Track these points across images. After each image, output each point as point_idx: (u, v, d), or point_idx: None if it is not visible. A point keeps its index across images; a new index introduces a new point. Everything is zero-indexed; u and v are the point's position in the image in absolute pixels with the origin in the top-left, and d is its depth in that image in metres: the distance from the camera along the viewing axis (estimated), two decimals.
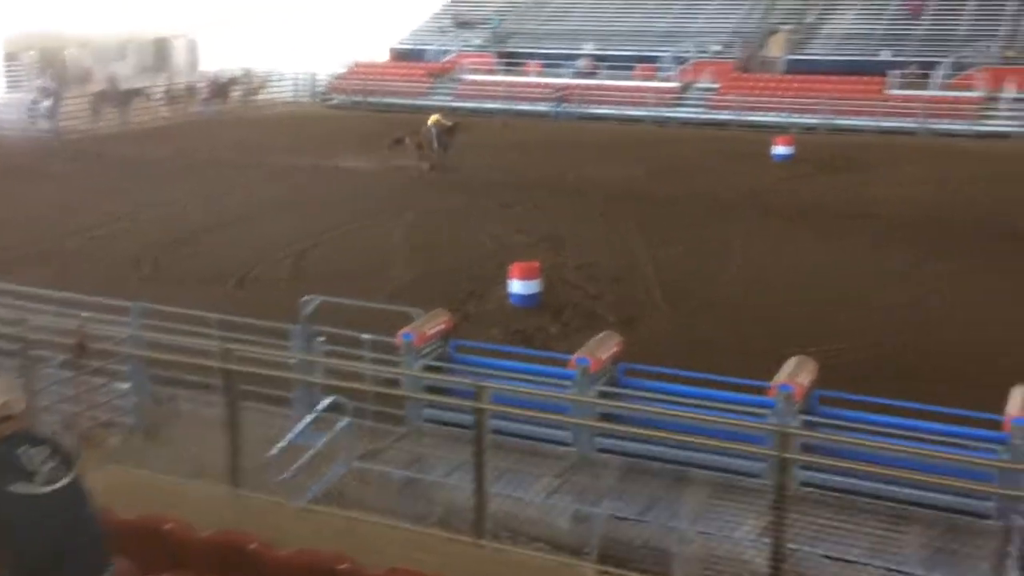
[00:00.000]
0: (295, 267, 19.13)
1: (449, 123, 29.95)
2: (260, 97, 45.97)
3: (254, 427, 9.32)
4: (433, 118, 29.81)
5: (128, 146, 33.51)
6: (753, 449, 9.21)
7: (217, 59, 50.85)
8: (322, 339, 11.53)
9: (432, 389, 11.01)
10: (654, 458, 10.03)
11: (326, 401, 10.21)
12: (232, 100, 44.19)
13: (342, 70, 47.28)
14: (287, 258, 19.58)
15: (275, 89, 47.10)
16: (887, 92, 37.70)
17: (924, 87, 37.35)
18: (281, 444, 9.61)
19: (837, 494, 9.35)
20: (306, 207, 24.35)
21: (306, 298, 11.96)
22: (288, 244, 20.43)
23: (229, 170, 29.13)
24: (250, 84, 45.85)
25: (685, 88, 40.82)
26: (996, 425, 9.18)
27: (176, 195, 25.60)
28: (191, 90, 43.21)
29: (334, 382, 10.64)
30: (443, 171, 28.30)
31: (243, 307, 14.89)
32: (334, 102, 45.79)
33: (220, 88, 43.74)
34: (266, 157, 30.99)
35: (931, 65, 37.98)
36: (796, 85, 39.55)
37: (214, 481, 8.48)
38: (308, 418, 10.16)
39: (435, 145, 29.29)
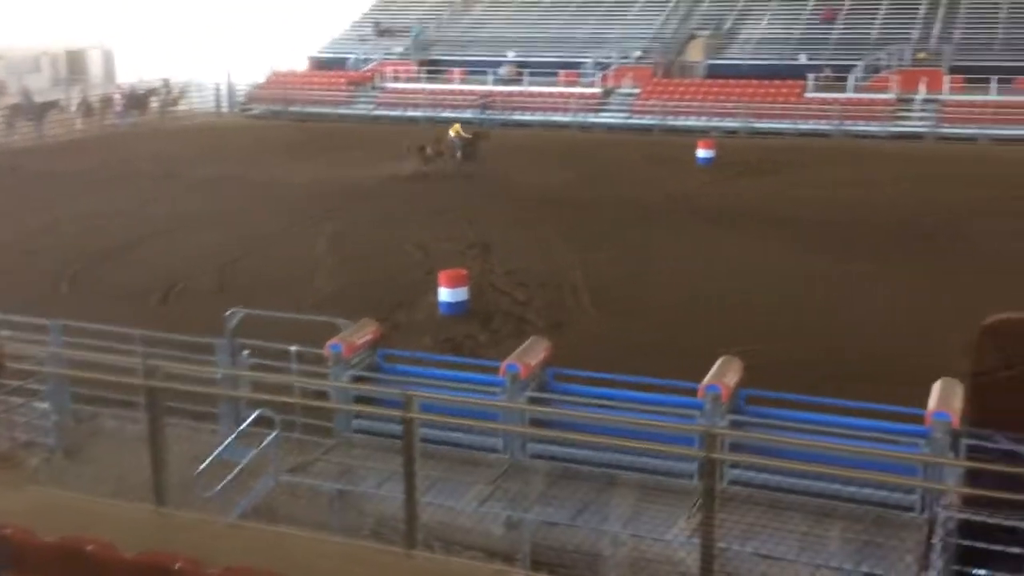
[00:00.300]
0: (219, 280, 18.85)
1: (469, 134, 30.69)
2: (179, 108, 45.30)
3: (180, 444, 9.16)
4: (454, 128, 30.70)
5: (45, 160, 32.80)
6: (681, 450, 9.29)
7: (134, 70, 50.06)
8: (248, 352, 11.37)
9: (361, 400, 10.92)
10: (585, 462, 10.07)
11: (252, 415, 10.06)
12: (150, 111, 43.48)
13: (261, 80, 46.81)
14: (211, 271, 19.30)
15: (194, 100, 46.47)
16: (806, 95, 38.41)
17: (841, 90, 38.14)
18: (207, 460, 9.45)
19: (766, 492, 9.47)
20: (229, 219, 24.03)
21: (231, 311, 11.79)
22: (212, 257, 20.14)
23: (150, 183, 28.64)
24: (168, 95, 45.15)
25: (607, 93, 41.16)
26: (919, 420, 9.36)
27: (97, 209, 25.10)
28: (107, 102, 42.42)
29: (261, 396, 10.50)
30: (467, 177, 28.65)
31: (167, 322, 14.68)
32: (254, 112, 45.32)
33: (137, 99, 43.01)
34: (187, 169, 30.55)
35: (847, 68, 38.79)
36: (716, 89, 40.13)
37: (138, 500, 8.30)
38: (234, 433, 10.00)
39: (457, 155, 29.87)
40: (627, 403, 10.30)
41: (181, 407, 9.31)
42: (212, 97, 46.39)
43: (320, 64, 48.51)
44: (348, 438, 10.90)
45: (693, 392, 10.02)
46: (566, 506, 9.47)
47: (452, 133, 30.45)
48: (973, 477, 8.82)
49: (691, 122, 38.22)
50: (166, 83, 45.78)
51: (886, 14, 43.54)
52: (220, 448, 9.75)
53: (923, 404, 9.48)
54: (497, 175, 29.15)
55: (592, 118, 39.84)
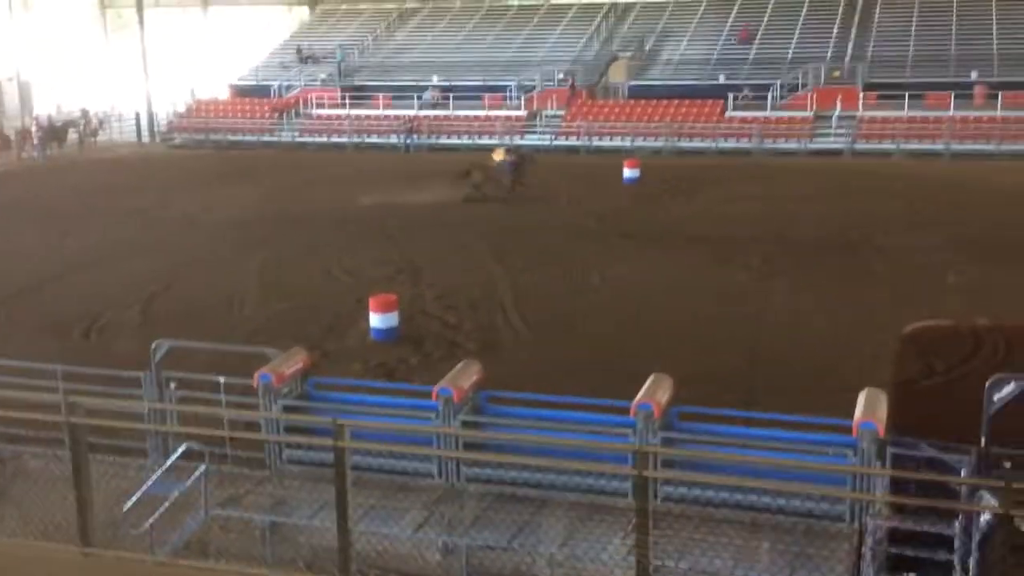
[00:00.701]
0: (144, 312, 18.52)
1: (512, 157, 30.25)
2: (98, 139, 44.55)
3: (107, 480, 8.96)
4: (499, 154, 30.56)
5: None
6: (615, 469, 9.31)
7: (52, 101, 49.15)
8: (175, 385, 11.17)
9: (292, 430, 10.78)
10: (520, 484, 10.04)
11: (181, 448, 9.88)
12: (69, 143, 42.67)
13: (183, 109, 46.28)
14: (136, 303, 18.95)
15: (114, 130, 45.75)
16: (727, 114, 39.04)
17: (760, 108, 38.84)
18: (135, 496, 9.24)
19: (699, 507, 9.53)
20: (153, 250, 23.66)
21: (156, 343, 11.58)
22: (136, 289, 19.79)
23: (71, 216, 28.09)
24: (87, 126, 44.39)
25: (533, 116, 41.41)
26: (846, 430, 9.50)
27: (16, 243, 24.53)
28: (24, 135, 41.51)
29: (189, 429, 10.32)
30: (517, 201, 28.47)
31: (91, 356, 14.39)
32: (176, 142, 44.77)
33: (55, 131, 42.18)
34: (109, 201, 30.05)
35: (765, 87, 39.52)
36: (639, 110, 40.64)
37: (65, 541, 8.08)
38: (163, 467, 9.81)
39: (508, 179, 29.48)
40: (560, 424, 10.30)
41: (107, 443, 9.11)
42: (133, 127, 45.72)
43: (242, 92, 48.12)
44: (280, 469, 10.75)
45: (626, 411, 10.06)
46: (502, 529, 9.43)
47: (497, 158, 30.22)
48: (899, 485, 8.98)
49: (616, 142, 38.65)
50: (85, 114, 45.03)
51: (801, 34, 44.52)
52: (148, 483, 9.54)
53: (849, 414, 9.62)
54: (424, 199, 29.09)
55: (519, 140, 40.03)
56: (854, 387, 10.31)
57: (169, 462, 9.82)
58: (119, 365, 11.97)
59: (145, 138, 45.63)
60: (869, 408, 9.46)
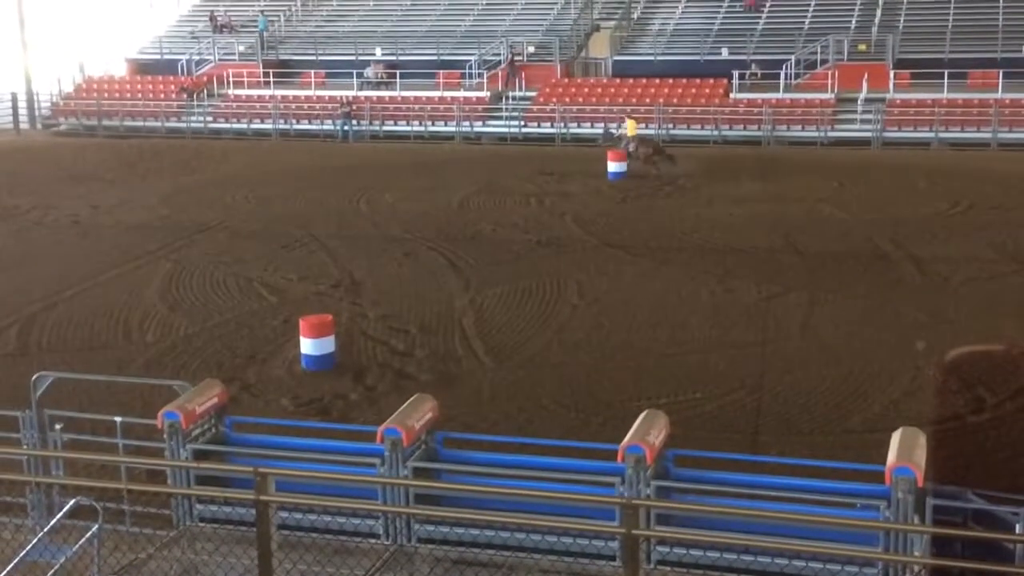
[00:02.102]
0: (21, 338, 18.36)
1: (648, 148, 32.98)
2: None
3: None
4: (631, 125, 33.69)
5: None
6: (599, 527, 9.33)
7: None
8: (61, 427, 11.09)
9: (205, 480, 10.72)
10: (484, 545, 10.03)
11: (69, 504, 9.80)
12: None
13: (69, 88, 46.01)
14: (10, 326, 18.79)
15: None
16: (732, 96, 39.35)
17: (771, 89, 39.18)
18: (12, 563, 9.15)
19: (699, 571, 9.56)
20: (32, 261, 23.47)
21: (38, 375, 11.49)
22: (11, 309, 19.62)
23: None
24: None
25: (497, 97, 41.53)
26: (877, 477, 9.58)
27: None
28: None
29: (79, 480, 10.24)
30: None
31: None
32: (61, 128, 44.50)
33: None
34: None
35: (777, 64, 39.86)
36: (626, 91, 40.87)
37: None
38: (46, 527, 9.72)
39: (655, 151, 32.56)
40: (532, 471, 10.30)
41: None
42: (8, 110, 45.38)
43: (143, 68, 47.91)
44: (191, 528, 10.67)
45: (612, 455, 10.09)
46: None
47: (630, 133, 33.40)
48: (942, 545, 9.05)
49: (599, 130, 38.81)
50: None
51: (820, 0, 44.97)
52: (28, 548, 9.44)
53: (880, 457, 9.70)
54: (363, 199, 29.12)
55: (480, 127, 40.10)
56: (886, 426, 10.42)
57: (54, 521, 9.71)
58: None
59: (23, 124, 45.30)
60: (905, 451, 9.52)
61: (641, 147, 32.55)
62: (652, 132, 37.08)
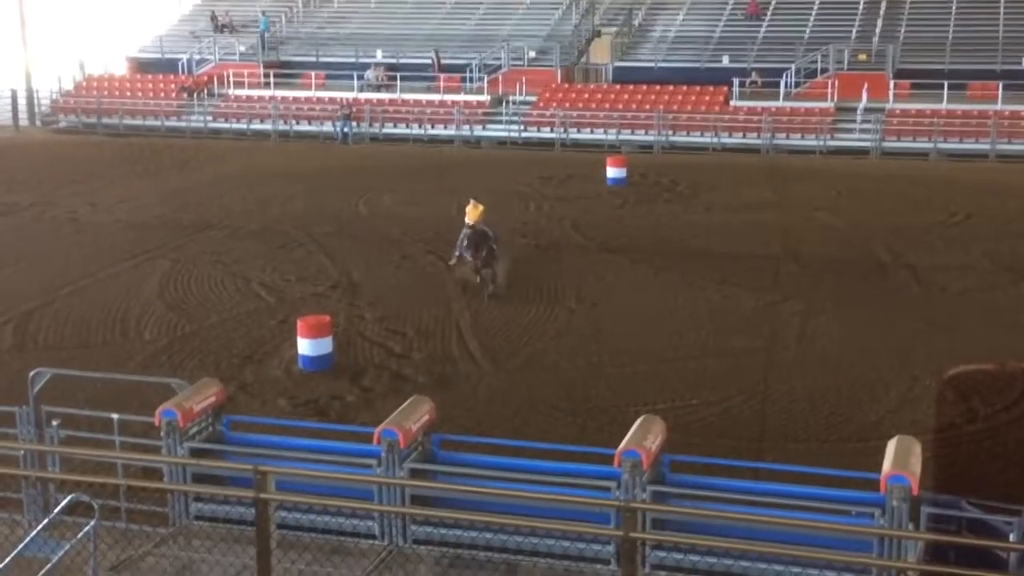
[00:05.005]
0: (19, 334, 18.38)
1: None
2: None
3: None
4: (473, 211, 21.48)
5: None
6: (595, 529, 9.36)
7: None
8: (58, 423, 11.11)
9: (202, 478, 10.75)
10: (481, 547, 10.06)
11: (65, 500, 9.82)
12: None
13: (70, 86, 46.01)
14: (9, 322, 18.81)
15: None
16: (731, 104, 39.40)
17: (771, 98, 39.21)
18: (7, 558, 9.17)
19: None
20: (31, 258, 23.49)
21: (36, 372, 11.51)
22: (10, 305, 19.64)
23: None
24: None
25: (497, 102, 41.56)
26: (872, 485, 9.61)
27: None
28: None
29: (76, 476, 10.26)
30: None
31: None
32: (61, 125, 44.48)
33: None
34: None
35: (777, 72, 39.91)
36: (627, 97, 40.89)
37: None
38: (42, 523, 9.74)
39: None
40: (529, 474, 10.34)
41: None
42: (8, 108, 45.35)
43: (143, 66, 47.91)
44: (187, 526, 10.70)
45: (609, 459, 10.12)
46: None
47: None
48: (936, 552, 9.09)
49: (598, 135, 38.85)
50: None
51: (821, 9, 45.04)
52: (23, 543, 9.46)
53: (876, 465, 9.74)
54: (362, 201, 29.15)
55: (479, 131, 40.11)
56: (882, 434, 10.46)
57: (50, 517, 9.73)
58: None
59: (23, 121, 45.24)
60: (900, 459, 9.57)
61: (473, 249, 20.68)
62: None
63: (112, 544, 9.97)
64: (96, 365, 15.84)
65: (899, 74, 39.93)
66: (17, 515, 10.57)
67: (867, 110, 38.23)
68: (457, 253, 21.07)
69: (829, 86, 39.33)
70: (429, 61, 43.90)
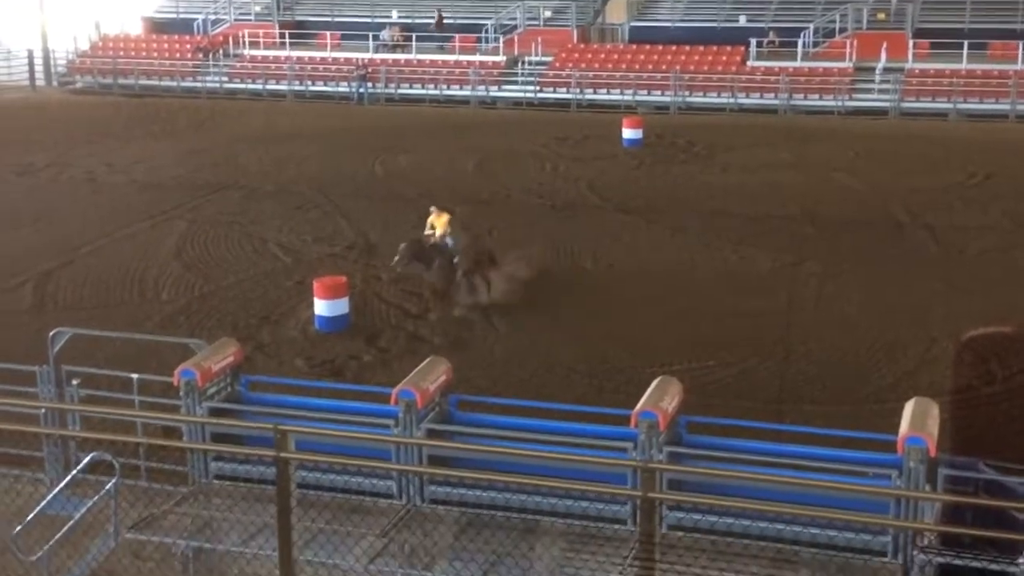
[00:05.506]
0: (38, 293, 18.47)
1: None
2: None
3: None
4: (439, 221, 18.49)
5: None
6: (613, 489, 9.39)
7: None
8: (78, 382, 11.18)
9: (221, 437, 10.81)
10: (498, 507, 10.10)
11: (86, 459, 9.90)
12: None
13: (86, 46, 45.96)
14: (28, 282, 18.89)
15: (1, 71, 45.40)
16: (748, 64, 39.17)
17: (789, 58, 38.98)
18: (30, 516, 9.25)
19: (712, 537, 9.63)
20: (48, 218, 23.55)
21: (56, 331, 11.57)
22: (29, 265, 19.71)
23: None
24: None
25: (513, 62, 41.39)
26: (889, 447, 9.62)
27: None
28: None
29: (96, 435, 10.33)
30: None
31: None
32: (77, 86, 44.47)
33: None
34: None
35: (795, 32, 39.64)
36: (643, 57, 40.68)
37: None
38: (64, 481, 9.83)
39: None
40: (545, 435, 10.37)
41: None
42: (24, 68, 45.36)
43: (159, 26, 47.82)
44: (206, 484, 10.77)
45: (625, 420, 10.14)
46: (476, 560, 9.50)
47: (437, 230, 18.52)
48: (953, 513, 9.10)
49: (614, 96, 38.69)
50: None
51: None
52: (45, 501, 9.55)
53: (893, 427, 9.74)
54: (377, 162, 29.12)
55: (495, 92, 39.98)
56: (899, 395, 10.46)
57: (71, 475, 9.82)
58: (7, 357, 11.94)
59: (39, 81, 45.27)
60: (917, 421, 9.57)
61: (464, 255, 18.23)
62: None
63: (133, 502, 10.07)
64: (114, 325, 15.90)
65: (918, 33, 39.59)
66: (39, 473, 10.67)
67: (886, 70, 37.96)
68: (397, 258, 17.89)
69: (847, 46, 39.04)
70: (450, 21, 43.68)
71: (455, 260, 17.85)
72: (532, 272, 18.27)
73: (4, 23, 46.22)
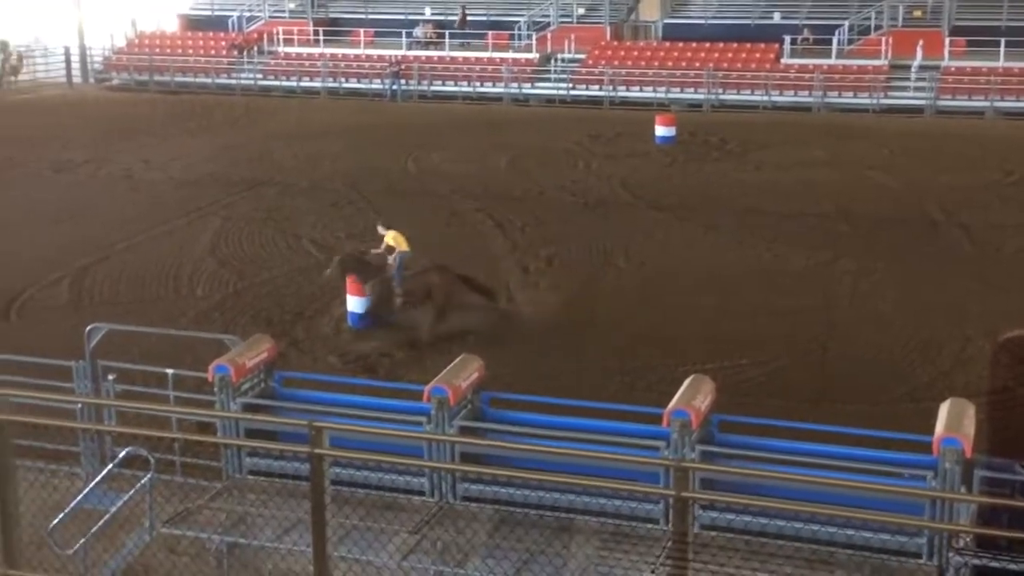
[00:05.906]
0: (75, 289, 18.59)
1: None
2: (20, 78, 44.55)
3: (33, 491, 9.00)
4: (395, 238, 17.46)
5: None
6: (646, 488, 9.37)
7: None
8: (114, 377, 11.24)
9: (255, 433, 10.84)
10: (530, 505, 10.10)
11: (122, 453, 9.95)
12: None
13: (122, 43, 46.23)
14: (65, 278, 19.01)
15: (39, 68, 45.73)
16: (783, 61, 38.99)
17: (823, 55, 38.75)
18: (66, 510, 9.32)
19: (745, 537, 9.59)
20: (86, 214, 23.70)
21: (92, 327, 11.64)
22: (66, 261, 19.85)
23: None
24: (7, 62, 44.37)
25: (546, 59, 41.35)
26: (924, 448, 9.56)
27: None
28: None
29: (131, 429, 10.38)
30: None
31: (11, 341, 14.43)
32: (113, 83, 44.72)
33: None
34: (31, 152, 30.04)
35: (830, 29, 39.41)
36: (676, 54, 40.56)
37: None
38: (99, 475, 9.88)
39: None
40: (578, 433, 10.35)
41: (33, 445, 9.18)
42: (61, 65, 45.68)
43: (194, 24, 48.05)
44: (240, 480, 10.81)
45: (657, 419, 10.12)
46: (509, 558, 9.50)
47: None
48: (989, 515, 9.03)
49: (647, 94, 38.59)
50: (4, 47, 44.97)
51: None
52: (82, 495, 9.61)
53: (928, 428, 9.68)
54: (411, 159, 29.16)
55: (528, 89, 39.97)
56: (935, 395, 10.38)
57: (107, 470, 9.87)
58: (44, 352, 12.02)
59: (76, 78, 45.56)
60: (953, 422, 9.51)
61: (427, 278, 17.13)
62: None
63: (168, 497, 10.12)
64: (150, 321, 16.00)
65: (955, 31, 39.28)
66: (76, 468, 10.73)
67: (921, 68, 37.68)
68: (328, 271, 17.17)
69: (883, 43, 38.78)
70: (484, 18, 43.67)
71: (393, 284, 16.72)
72: (474, 321, 16.62)
73: (42, 21, 46.52)
